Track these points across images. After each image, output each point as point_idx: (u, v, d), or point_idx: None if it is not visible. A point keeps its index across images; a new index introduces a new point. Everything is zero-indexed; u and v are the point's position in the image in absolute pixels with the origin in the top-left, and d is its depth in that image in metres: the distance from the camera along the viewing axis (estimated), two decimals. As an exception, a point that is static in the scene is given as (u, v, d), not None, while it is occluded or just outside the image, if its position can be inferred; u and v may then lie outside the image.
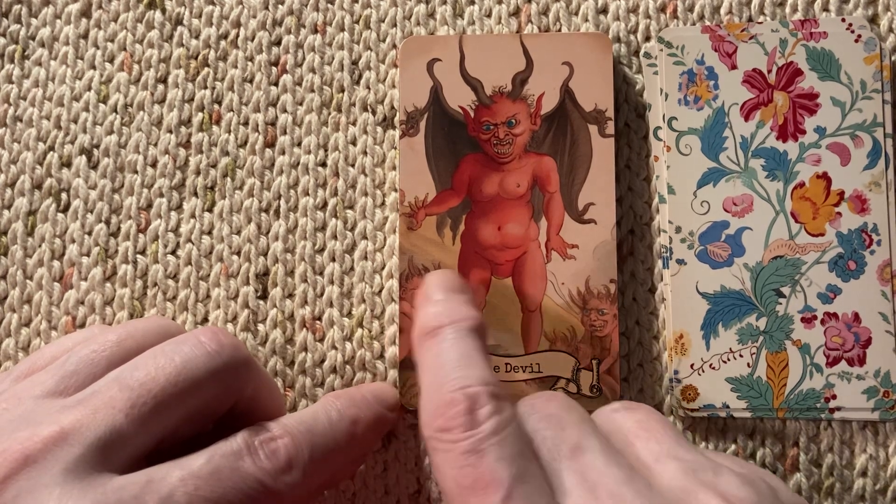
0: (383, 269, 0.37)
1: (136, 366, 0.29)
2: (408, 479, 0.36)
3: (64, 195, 0.38)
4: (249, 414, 0.31)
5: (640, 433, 0.28)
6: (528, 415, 0.28)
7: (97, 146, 0.38)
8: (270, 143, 0.38)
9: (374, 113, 0.38)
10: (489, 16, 0.38)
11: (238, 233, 0.37)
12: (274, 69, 0.38)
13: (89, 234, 0.38)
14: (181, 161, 0.38)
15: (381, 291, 0.37)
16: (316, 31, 0.38)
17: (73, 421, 0.27)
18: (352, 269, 0.37)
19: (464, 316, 0.30)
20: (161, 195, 0.38)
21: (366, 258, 0.37)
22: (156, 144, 0.38)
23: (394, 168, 0.37)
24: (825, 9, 0.37)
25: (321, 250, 0.37)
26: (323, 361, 0.37)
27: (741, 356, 0.35)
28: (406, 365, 0.35)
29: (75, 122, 0.38)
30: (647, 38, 0.38)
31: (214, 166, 0.38)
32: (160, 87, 0.38)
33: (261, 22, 0.38)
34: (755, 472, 0.28)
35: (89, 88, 0.38)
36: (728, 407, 0.35)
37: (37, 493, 0.26)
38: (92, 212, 0.38)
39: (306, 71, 0.38)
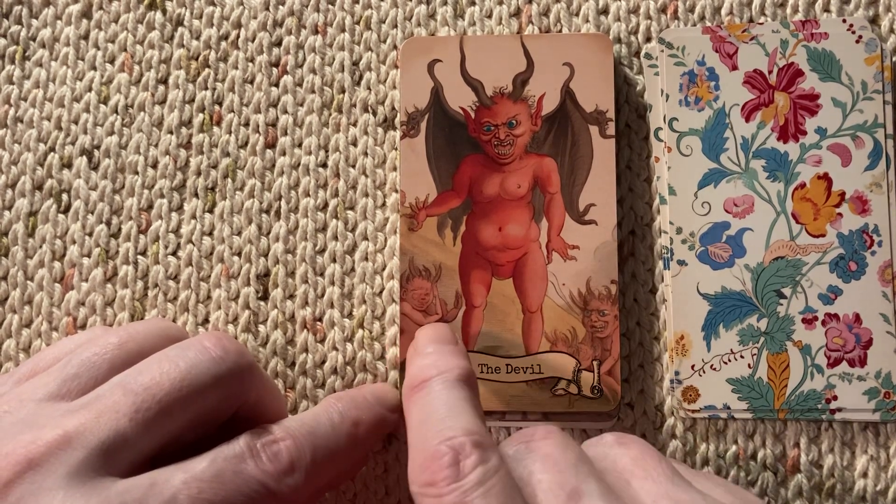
0: (384, 270, 0.37)
1: (141, 371, 0.29)
2: (408, 480, 0.36)
3: (65, 196, 0.38)
4: (252, 418, 0.31)
5: (636, 471, 0.28)
6: (524, 455, 0.28)
7: (98, 147, 0.38)
8: (271, 144, 0.38)
9: (374, 114, 0.38)
10: (490, 17, 0.38)
11: (239, 234, 0.37)
12: (274, 70, 0.38)
13: (90, 235, 0.38)
14: (182, 162, 0.38)
15: (381, 292, 0.37)
16: (316, 32, 0.38)
17: (77, 425, 0.27)
18: (352, 270, 0.37)
19: (450, 366, 0.30)
20: (162, 196, 0.38)
21: (366, 259, 0.37)
22: (156, 145, 0.38)
23: (394, 169, 0.37)
24: (826, 9, 0.37)
25: (322, 251, 0.37)
26: (324, 363, 0.37)
27: (742, 357, 0.35)
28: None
29: (76, 123, 0.38)
30: (648, 39, 0.38)
31: (215, 167, 0.38)
32: (161, 88, 0.38)
33: (261, 23, 0.38)
34: (745, 500, 0.28)
35: (90, 89, 0.38)
36: (729, 408, 0.35)
37: (40, 496, 0.26)
38: (93, 213, 0.38)
39: (307, 72, 0.38)
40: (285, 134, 0.38)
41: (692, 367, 0.35)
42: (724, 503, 0.27)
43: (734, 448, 0.35)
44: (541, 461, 0.27)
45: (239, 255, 0.37)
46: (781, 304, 0.35)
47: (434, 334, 0.32)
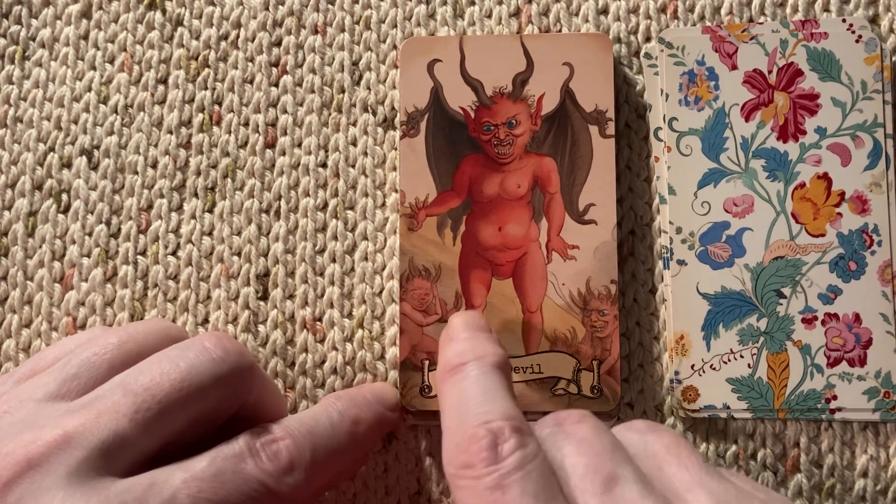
0: (384, 269, 0.37)
1: (141, 371, 0.29)
2: (408, 480, 0.36)
3: (64, 196, 0.38)
4: (252, 418, 0.31)
5: (669, 459, 0.28)
6: (558, 438, 0.28)
7: (97, 147, 0.38)
8: (271, 144, 0.38)
9: (374, 114, 0.38)
10: (489, 16, 0.38)
11: (238, 234, 0.37)
12: (274, 70, 0.38)
13: (90, 235, 0.38)
14: (181, 162, 0.38)
15: (381, 292, 0.37)
16: (316, 32, 0.38)
17: (77, 425, 0.27)
18: (352, 270, 0.37)
19: (487, 352, 0.30)
20: (161, 196, 0.38)
21: (366, 259, 0.37)
22: (156, 145, 0.38)
23: (394, 169, 0.37)
24: (826, 9, 0.37)
25: (322, 251, 0.37)
26: (323, 362, 0.37)
27: (742, 357, 0.35)
28: (406, 366, 0.35)
29: (76, 122, 0.38)
30: (648, 39, 0.38)
31: (215, 167, 0.38)
32: (160, 87, 0.38)
33: (261, 23, 0.38)
34: (775, 498, 0.28)
35: (90, 89, 0.38)
36: (729, 408, 0.35)
37: (40, 496, 0.26)
38: (92, 213, 0.38)
39: (307, 72, 0.38)
40: (285, 134, 0.38)
41: (692, 366, 0.35)
42: (758, 497, 0.27)
43: (734, 448, 0.35)
44: (576, 445, 0.27)
45: (239, 254, 0.37)
46: (781, 304, 0.35)
47: (469, 320, 0.32)
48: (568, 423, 0.28)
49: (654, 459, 0.28)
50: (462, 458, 0.27)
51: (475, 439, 0.26)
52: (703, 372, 0.35)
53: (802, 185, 0.36)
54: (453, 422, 0.28)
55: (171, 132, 0.38)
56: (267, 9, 0.39)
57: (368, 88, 0.38)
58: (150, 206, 0.38)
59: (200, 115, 0.38)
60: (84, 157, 0.38)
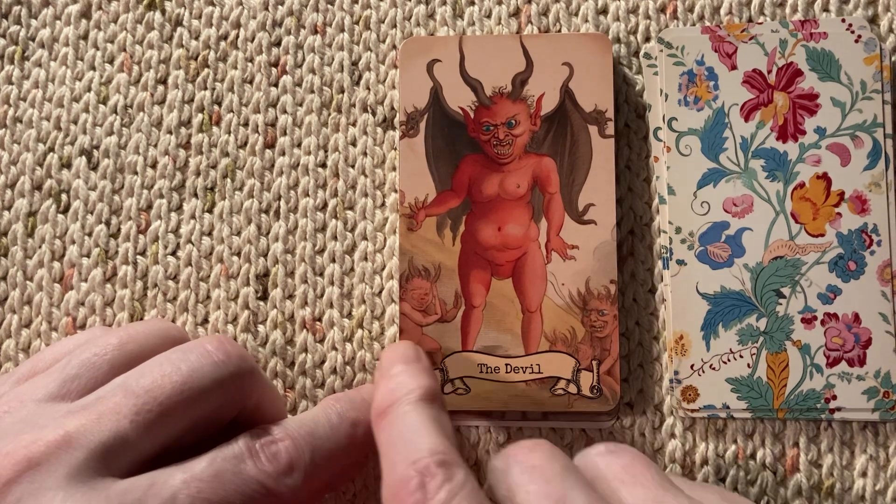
0: (383, 269, 0.37)
1: (143, 373, 0.29)
2: None
3: (64, 196, 0.38)
4: (252, 421, 0.31)
5: (625, 478, 0.28)
6: (510, 467, 0.28)
7: (97, 147, 0.38)
8: (270, 144, 0.38)
9: (374, 114, 0.38)
10: (489, 16, 0.38)
11: (238, 234, 0.37)
12: (274, 70, 0.38)
13: (89, 235, 0.38)
14: (181, 162, 0.38)
15: (381, 292, 0.37)
16: (316, 32, 0.38)
17: (78, 426, 0.27)
18: (352, 269, 0.37)
19: (413, 387, 0.30)
20: (161, 196, 0.38)
21: (366, 259, 0.37)
22: (156, 145, 0.38)
23: (394, 169, 0.37)
24: (825, 9, 0.37)
25: (321, 251, 0.37)
26: (323, 362, 0.37)
27: (741, 357, 0.35)
28: (407, 366, 0.35)
29: (75, 123, 0.38)
30: (647, 39, 0.38)
31: (214, 167, 0.38)
32: (160, 88, 0.38)
33: (260, 23, 0.38)
34: None
35: (89, 89, 0.38)
36: (728, 407, 0.35)
37: (40, 496, 0.26)
38: (92, 213, 0.38)
39: (306, 72, 0.38)
40: (284, 134, 0.38)
41: (691, 366, 0.35)
42: None
43: (733, 447, 0.35)
44: (528, 473, 0.27)
45: (238, 255, 0.37)
46: (780, 304, 0.35)
47: (397, 353, 0.32)
48: (521, 453, 0.28)
49: (612, 481, 0.28)
50: (396, 502, 0.27)
51: (404, 482, 0.27)
52: (703, 372, 0.35)
53: (802, 185, 0.36)
54: (386, 466, 0.28)
55: (170, 132, 0.38)
56: (266, 9, 0.39)
57: (368, 88, 0.38)
58: (150, 207, 0.38)
59: (200, 115, 0.38)
60: (84, 158, 0.38)
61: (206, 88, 0.38)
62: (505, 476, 0.28)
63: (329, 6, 0.39)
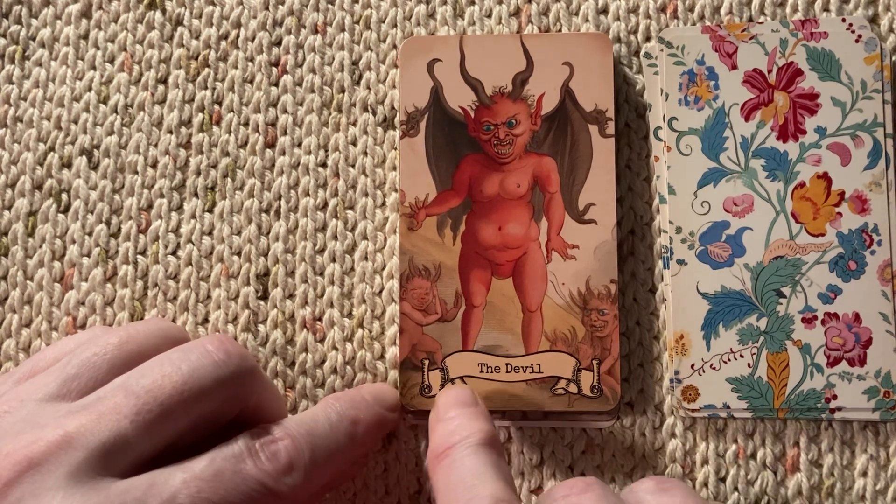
0: (384, 269, 0.37)
1: (143, 373, 0.29)
2: (408, 480, 0.36)
3: (64, 196, 0.38)
4: (253, 421, 0.31)
5: None
6: None
7: (97, 147, 0.38)
8: (271, 144, 0.38)
9: (374, 113, 0.38)
10: (489, 16, 0.38)
11: (238, 233, 0.37)
12: (274, 70, 0.38)
13: (90, 234, 0.38)
14: (181, 162, 0.38)
15: (381, 292, 0.37)
16: (316, 32, 0.38)
17: (78, 426, 0.27)
18: (352, 269, 0.37)
19: (473, 431, 0.30)
20: (161, 196, 0.38)
21: (366, 259, 0.37)
22: (156, 145, 0.38)
23: (394, 168, 0.37)
24: (825, 9, 0.37)
25: (321, 251, 0.37)
26: (323, 362, 0.37)
27: (742, 356, 0.35)
28: (406, 365, 0.35)
29: (76, 122, 0.38)
30: (648, 39, 0.38)
31: (215, 167, 0.38)
32: (160, 87, 0.38)
33: (261, 22, 0.38)
34: None
35: (89, 89, 0.38)
36: (729, 407, 0.35)
37: (40, 496, 0.26)
38: (92, 212, 0.38)
39: (306, 71, 0.38)
40: (285, 133, 0.38)
41: (692, 366, 0.35)
42: None
43: (734, 447, 0.35)
44: None
45: (238, 254, 0.37)
46: (781, 304, 0.35)
47: (454, 397, 0.32)
48: (573, 493, 0.28)
49: None
50: None
51: None
52: (703, 371, 0.35)
53: (802, 185, 0.36)
54: None
55: (170, 132, 0.38)
56: (267, 8, 0.39)
57: (368, 88, 0.38)
58: (150, 206, 0.38)
59: (200, 114, 0.38)
60: (84, 157, 0.38)
61: (206, 88, 0.38)
62: None
63: (329, 6, 0.39)
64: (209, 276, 0.37)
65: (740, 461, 0.35)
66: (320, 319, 0.37)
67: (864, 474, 0.35)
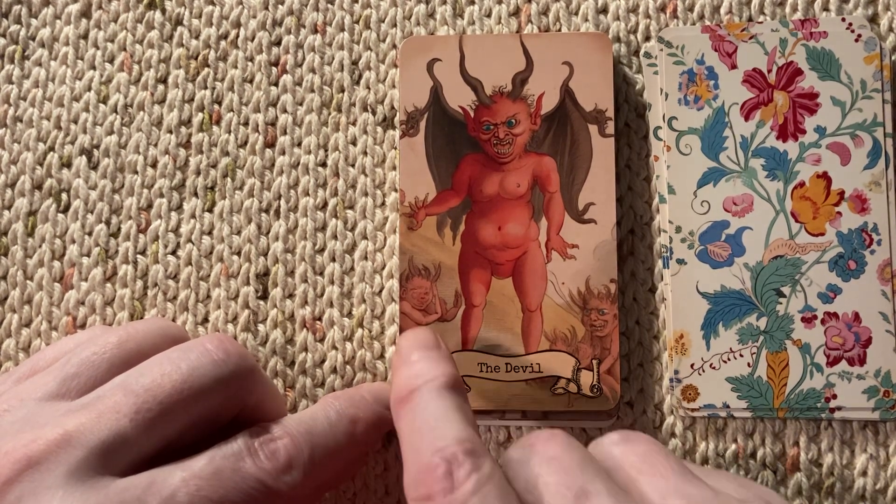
0: (383, 269, 0.37)
1: (142, 372, 0.29)
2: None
3: (64, 196, 0.38)
4: (252, 420, 0.31)
5: (643, 468, 0.27)
6: (528, 458, 0.28)
7: (97, 146, 0.38)
8: (270, 144, 0.38)
9: (374, 113, 0.38)
10: (489, 16, 0.38)
11: (238, 233, 0.37)
12: (274, 69, 0.38)
13: (89, 234, 0.38)
14: (181, 161, 0.38)
15: (381, 291, 0.37)
16: (316, 32, 0.38)
17: (78, 425, 0.27)
18: (352, 269, 0.37)
19: (436, 374, 0.29)
20: (161, 195, 0.38)
21: (366, 258, 0.37)
22: (156, 145, 0.38)
23: (394, 168, 0.37)
24: (825, 8, 0.37)
25: (321, 250, 0.37)
26: (323, 362, 0.37)
27: (741, 356, 0.35)
28: (407, 365, 0.35)
29: (75, 122, 0.38)
30: (647, 38, 0.38)
31: (214, 166, 0.38)
32: (160, 87, 0.38)
33: (261, 22, 0.38)
34: (758, 494, 0.27)
35: (89, 89, 0.38)
36: (728, 407, 0.35)
37: (39, 495, 0.26)
38: (92, 212, 0.38)
39: (306, 71, 0.38)
40: (285, 133, 0.38)
41: (692, 365, 0.35)
42: (736, 497, 0.27)
43: (734, 447, 0.35)
44: (546, 463, 0.27)
45: (238, 254, 0.37)
46: (781, 303, 0.35)
47: (417, 340, 0.32)
48: (538, 443, 0.28)
49: (630, 470, 0.27)
50: (420, 490, 0.26)
51: (430, 469, 0.26)
52: (703, 371, 0.35)
53: (802, 185, 0.36)
54: (409, 453, 0.28)
55: (170, 131, 0.38)
56: (266, 8, 0.39)
57: (368, 88, 0.38)
58: (150, 206, 0.38)
59: (200, 114, 0.38)
60: (84, 157, 0.38)
61: (206, 87, 0.38)
62: (522, 467, 0.27)
63: (329, 5, 0.39)
64: (209, 275, 0.37)
65: (740, 461, 0.35)
66: (320, 319, 0.37)
67: (864, 474, 0.35)
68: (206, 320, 0.37)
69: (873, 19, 0.37)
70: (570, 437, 0.28)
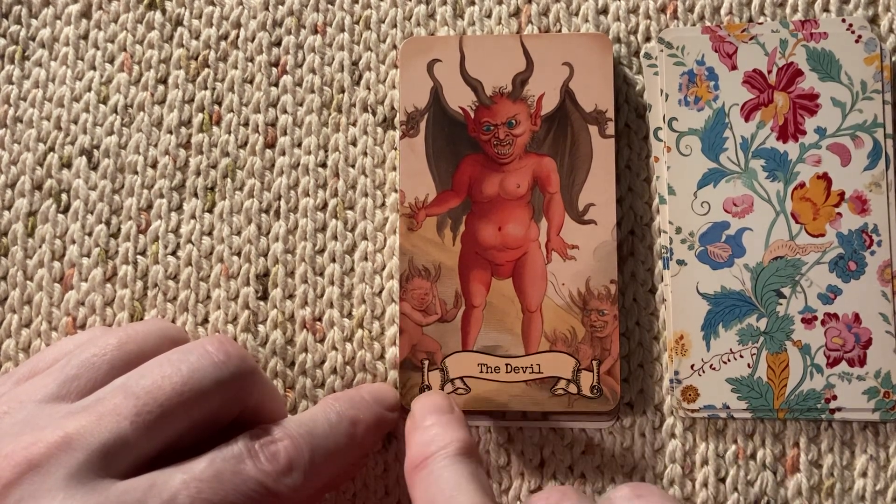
0: (384, 269, 0.37)
1: (143, 374, 0.29)
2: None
3: (64, 196, 0.38)
4: (252, 422, 0.31)
5: None
6: None
7: (97, 147, 0.38)
8: (271, 144, 0.38)
9: (374, 114, 0.38)
10: (489, 16, 0.38)
11: (238, 234, 0.37)
12: (274, 70, 0.38)
13: (90, 234, 0.38)
14: (181, 162, 0.38)
15: (381, 292, 0.37)
16: (316, 32, 0.38)
17: (78, 427, 0.27)
18: (352, 269, 0.37)
19: (450, 440, 0.30)
20: (161, 196, 0.38)
21: (366, 259, 0.37)
22: (156, 145, 0.38)
23: (394, 169, 0.37)
24: (825, 9, 0.37)
25: (321, 251, 0.37)
26: (323, 362, 0.37)
27: (741, 357, 0.35)
28: (406, 365, 0.35)
29: (75, 122, 0.38)
30: (648, 39, 0.38)
31: (215, 167, 0.38)
32: (160, 87, 0.38)
33: (261, 23, 0.38)
34: None
35: (89, 89, 0.38)
36: (728, 407, 0.35)
37: (40, 497, 0.26)
38: (92, 213, 0.38)
39: (306, 72, 0.38)
40: (285, 134, 0.38)
41: (692, 366, 0.35)
42: None
43: (734, 448, 0.35)
44: None
45: (238, 254, 0.37)
46: (781, 304, 0.35)
47: (430, 404, 0.32)
48: (550, 502, 0.28)
49: None
50: None
51: None
52: (703, 372, 0.35)
53: (802, 185, 0.36)
54: None
55: (170, 132, 0.38)
56: (267, 9, 0.39)
57: (368, 88, 0.38)
58: (150, 206, 0.38)
59: (200, 114, 0.38)
60: (84, 157, 0.38)
61: (206, 88, 0.38)
62: None
63: (329, 6, 0.39)
64: (209, 276, 0.37)
65: (740, 461, 0.35)
66: (320, 320, 0.37)
67: (864, 475, 0.35)
68: (206, 321, 0.37)
69: (873, 20, 0.37)
70: (581, 495, 0.29)
